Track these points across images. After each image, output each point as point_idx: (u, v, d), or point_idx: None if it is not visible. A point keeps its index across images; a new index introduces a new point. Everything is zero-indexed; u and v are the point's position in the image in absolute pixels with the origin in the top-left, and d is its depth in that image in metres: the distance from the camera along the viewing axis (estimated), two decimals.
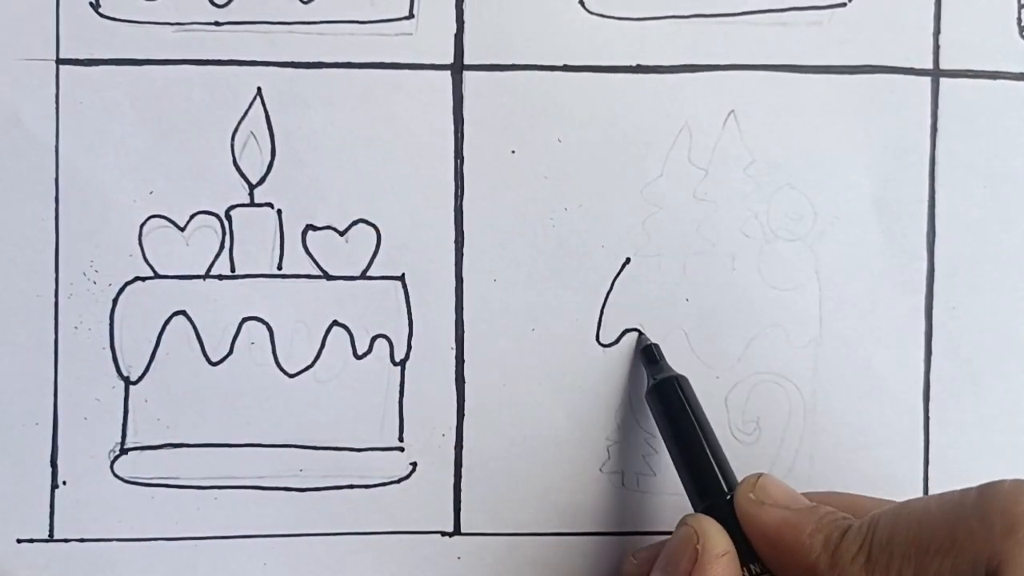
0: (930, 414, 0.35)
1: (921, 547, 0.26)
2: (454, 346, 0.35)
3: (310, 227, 0.34)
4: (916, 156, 0.35)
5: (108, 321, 0.34)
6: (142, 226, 0.34)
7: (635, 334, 0.34)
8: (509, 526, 0.35)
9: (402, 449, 0.34)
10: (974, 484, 0.26)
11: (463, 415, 0.35)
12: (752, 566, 0.29)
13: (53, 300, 0.34)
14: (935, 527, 0.26)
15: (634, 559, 0.33)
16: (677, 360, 0.34)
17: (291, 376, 0.34)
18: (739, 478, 0.30)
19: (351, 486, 0.34)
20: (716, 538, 0.29)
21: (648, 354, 0.34)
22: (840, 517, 0.28)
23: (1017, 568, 0.24)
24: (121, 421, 0.34)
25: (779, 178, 0.35)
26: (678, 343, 0.35)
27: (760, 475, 0.30)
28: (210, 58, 0.34)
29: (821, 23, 0.35)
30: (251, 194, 0.34)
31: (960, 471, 0.35)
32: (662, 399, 0.32)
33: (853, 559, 0.27)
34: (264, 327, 0.34)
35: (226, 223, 0.34)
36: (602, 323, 0.35)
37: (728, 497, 0.30)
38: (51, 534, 0.34)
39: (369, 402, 0.34)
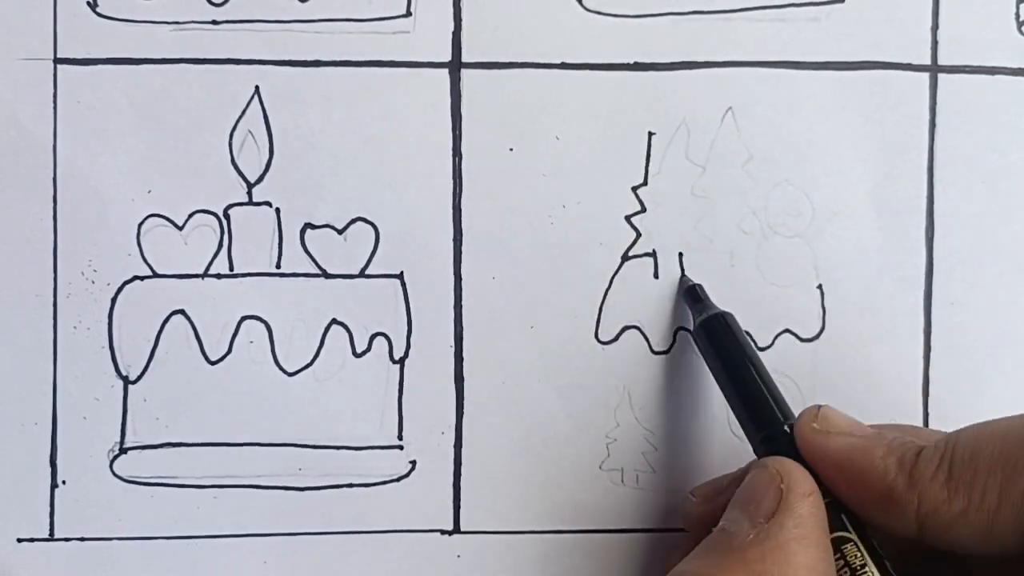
0: (929, 410, 0.35)
1: (1008, 463, 0.25)
2: (453, 344, 0.34)
3: (308, 225, 0.34)
4: (914, 152, 0.35)
5: (107, 320, 0.34)
6: (140, 225, 0.34)
7: (679, 283, 0.35)
8: (509, 524, 0.35)
9: (401, 447, 0.34)
10: None
11: (462, 413, 0.35)
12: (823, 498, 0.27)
13: (52, 300, 0.34)
14: (1021, 442, 0.25)
15: (694, 497, 0.31)
16: (677, 357, 0.35)
17: (290, 375, 0.34)
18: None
19: (350, 485, 0.34)
20: (801, 477, 0.27)
21: (692, 294, 0.34)
22: (909, 440, 0.27)
23: None
24: (120, 420, 0.34)
25: (777, 174, 0.35)
26: (677, 341, 0.35)
27: (820, 406, 0.29)
28: (208, 57, 0.34)
29: (819, 19, 0.35)
30: (249, 193, 0.34)
31: None
32: (711, 335, 0.32)
33: (933, 477, 0.26)
34: (263, 326, 0.34)
35: (224, 222, 0.34)
36: (601, 320, 0.35)
37: (786, 427, 0.29)
38: (51, 533, 0.34)
39: (368, 400, 0.34)
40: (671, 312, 0.35)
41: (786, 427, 0.30)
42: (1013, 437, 0.25)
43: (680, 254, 0.35)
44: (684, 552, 0.31)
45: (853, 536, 0.27)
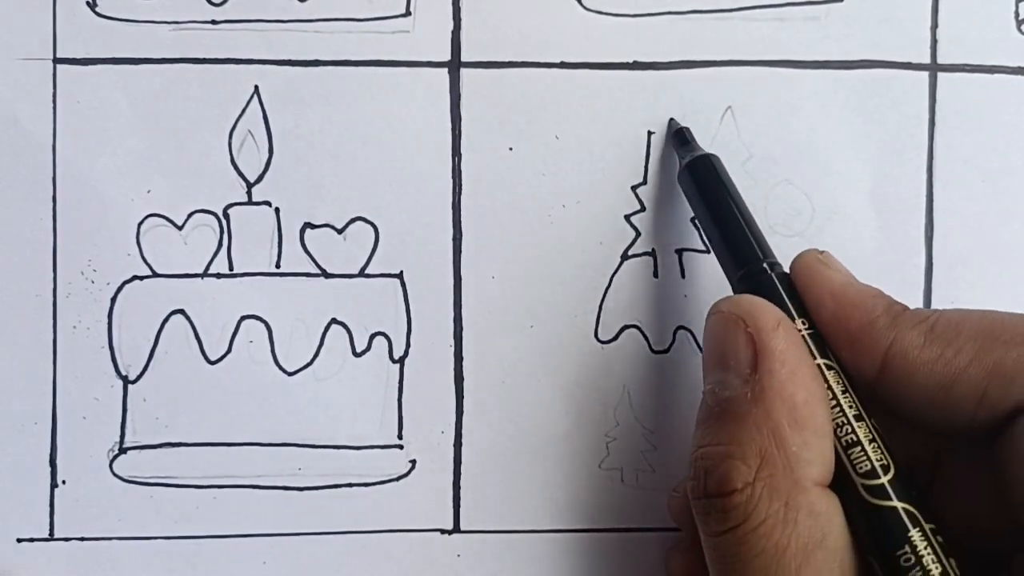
0: None
1: (991, 335, 0.26)
2: (453, 343, 0.34)
3: (308, 225, 0.34)
4: (914, 151, 0.35)
5: (106, 320, 0.34)
6: (140, 225, 0.34)
7: (668, 126, 0.34)
8: (508, 523, 0.35)
9: (401, 447, 0.34)
10: None
11: (462, 412, 0.35)
12: (801, 321, 0.28)
13: (51, 299, 0.34)
14: (1007, 323, 0.26)
15: (675, 492, 0.31)
16: (676, 356, 0.35)
17: (290, 374, 0.34)
18: None
19: (350, 484, 0.34)
20: (763, 310, 0.26)
21: (680, 137, 0.34)
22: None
23: None
24: (120, 420, 0.34)
25: (776, 174, 0.35)
26: (677, 340, 0.35)
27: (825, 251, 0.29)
28: (207, 57, 0.34)
29: (818, 18, 0.35)
30: (249, 192, 0.34)
31: None
32: (696, 177, 0.32)
33: (915, 326, 0.26)
34: (263, 325, 0.34)
35: (224, 221, 0.34)
36: (600, 320, 0.35)
37: (765, 265, 0.29)
38: (51, 533, 0.34)
39: (368, 400, 0.34)
40: (671, 311, 0.35)
41: (765, 265, 0.29)
42: (998, 317, 0.26)
43: (680, 253, 0.35)
44: (683, 549, 0.32)
45: (835, 365, 0.27)
